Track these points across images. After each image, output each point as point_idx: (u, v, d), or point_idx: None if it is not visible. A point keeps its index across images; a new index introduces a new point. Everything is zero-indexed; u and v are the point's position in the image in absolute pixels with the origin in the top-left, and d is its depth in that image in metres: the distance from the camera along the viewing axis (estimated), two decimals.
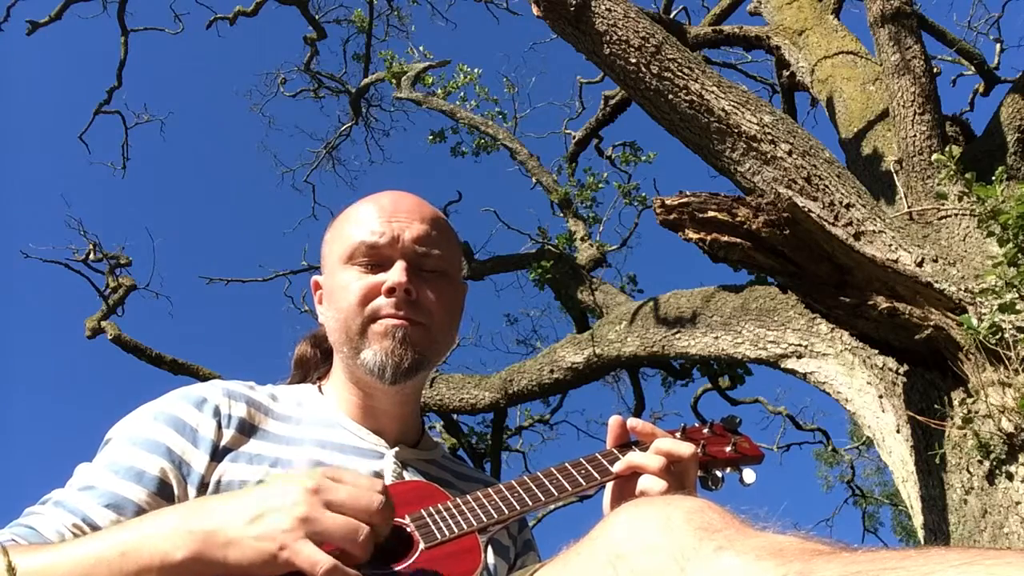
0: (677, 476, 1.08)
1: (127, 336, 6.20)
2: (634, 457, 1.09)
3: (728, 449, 1.20)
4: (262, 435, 1.11)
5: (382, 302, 1.14)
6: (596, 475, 1.10)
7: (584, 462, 1.12)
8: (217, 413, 1.09)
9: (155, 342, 6.19)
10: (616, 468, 1.10)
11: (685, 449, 1.08)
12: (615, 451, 1.14)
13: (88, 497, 0.97)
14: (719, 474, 1.20)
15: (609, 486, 1.14)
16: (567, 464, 1.11)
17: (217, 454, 1.06)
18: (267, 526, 0.83)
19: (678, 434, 1.20)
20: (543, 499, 1.04)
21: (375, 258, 1.17)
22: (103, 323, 6.44)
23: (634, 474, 1.09)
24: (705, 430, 1.25)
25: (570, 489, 1.07)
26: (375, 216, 1.19)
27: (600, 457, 1.13)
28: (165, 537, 0.83)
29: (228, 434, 1.08)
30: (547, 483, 1.07)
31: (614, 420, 1.17)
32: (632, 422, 1.15)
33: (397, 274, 1.14)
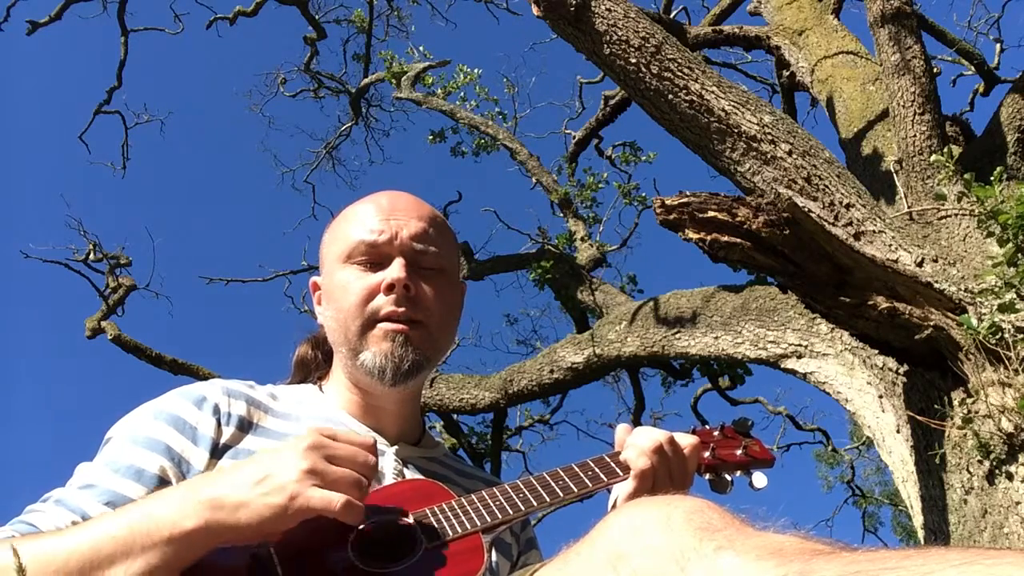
0: (667, 465, 1.10)
1: (127, 336, 6.20)
2: (628, 438, 1.13)
3: (738, 452, 1.19)
4: (262, 432, 1.12)
5: (382, 301, 1.14)
6: (603, 477, 1.09)
7: (591, 463, 1.12)
8: (217, 411, 1.09)
9: (155, 342, 6.20)
10: (620, 454, 1.11)
11: (659, 435, 1.11)
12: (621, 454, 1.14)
13: (88, 495, 0.97)
14: (728, 477, 1.19)
15: (615, 489, 1.14)
16: (573, 465, 1.11)
17: (217, 451, 1.07)
18: (274, 482, 0.85)
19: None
20: (548, 500, 1.04)
21: (374, 256, 1.17)
22: (103, 323, 6.44)
23: (640, 476, 1.09)
24: (715, 432, 1.24)
25: (576, 491, 1.07)
26: (373, 215, 1.19)
27: (607, 458, 1.13)
28: (174, 509, 0.84)
29: (228, 432, 1.09)
30: (553, 484, 1.07)
31: (622, 428, 1.17)
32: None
33: (396, 270, 1.14)
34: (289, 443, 0.91)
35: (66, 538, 0.84)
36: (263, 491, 0.85)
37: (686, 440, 1.15)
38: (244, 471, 0.88)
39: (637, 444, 1.11)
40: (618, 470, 1.10)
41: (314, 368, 1.32)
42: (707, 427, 1.26)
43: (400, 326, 1.14)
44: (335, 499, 0.85)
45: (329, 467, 0.88)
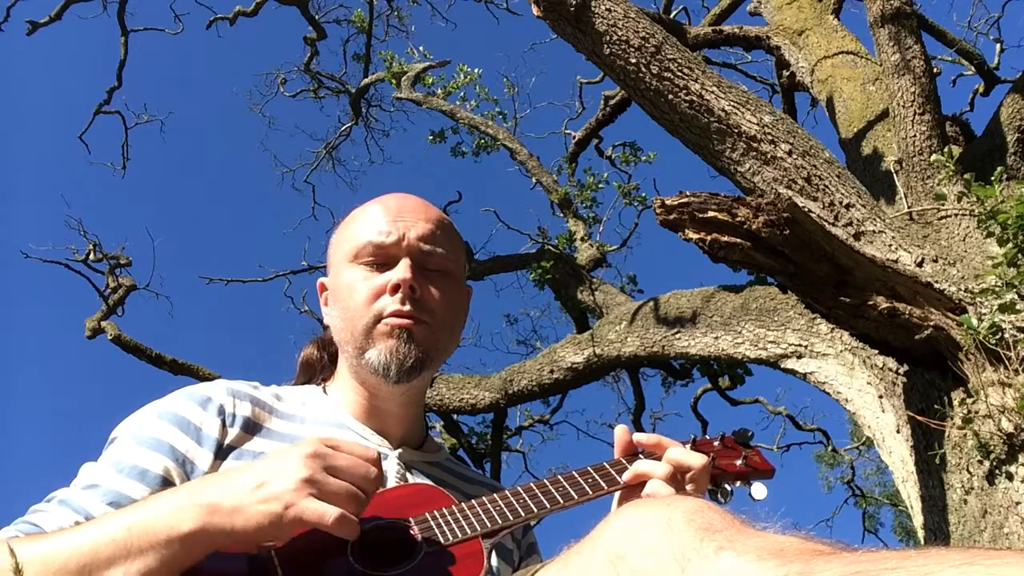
0: (683, 486, 1.08)
1: (127, 336, 6.20)
2: (641, 465, 1.09)
3: (739, 463, 1.19)
4: (266, 433, 1.12)
5: (387, 301, 1.15)
6: (603, 484, 1.09)
7: (591, 470, 1.11)
8: (222, 412, 1.10)
9: (155, 342, 6.20)
10: (624, 477, 1.09)
11: (696, 460, 1.08)
12: (623, 460, 1.14)
13: (92, 495, 0.98)
14: (728, 488, 1.19)
15: (617, 496, 1.13)
16: (574, 472, 1.11)
17: (221, 452, 1.07)
18: (271, 489, 0.85)
19: (688, 445, 1.18)
20: (548, 506, 1.04)
21: (381, 257, 1.18)
22: (103, 323, 6.44)
23: (641, 484, 1.08)
24: (716, 442, 1.24)
25: (576, 498, 1.06)
26: (381, 216, 1.21)
27: (608, 466, 1.12)
28: (171, 512, 0.85)
29: (232, 433, 1.09)
30: (553, 491, 1.06)
31: (621, 429, 1.17)
32: (639, 437, 1.14)
33: (402, 271, 1.15)
34: (291, 450, 0.90)
35: (66, 538, 0.85)
36: (259, 498, 0.85)
37: (697, 461, 1.09)
38: (243, 475, 0.88)
39: (659, 479, 1.07)
40: (619, 479, 1.10)
41: (319, 370, 1.33)
42: (707, 437, 1.25)
43: (404, 320, 1.14)
44: (328, 512, 0.85)
45: (327, 478, 0.87)
